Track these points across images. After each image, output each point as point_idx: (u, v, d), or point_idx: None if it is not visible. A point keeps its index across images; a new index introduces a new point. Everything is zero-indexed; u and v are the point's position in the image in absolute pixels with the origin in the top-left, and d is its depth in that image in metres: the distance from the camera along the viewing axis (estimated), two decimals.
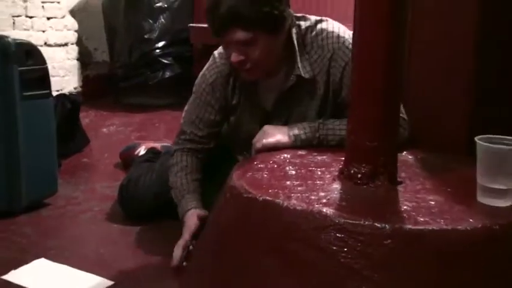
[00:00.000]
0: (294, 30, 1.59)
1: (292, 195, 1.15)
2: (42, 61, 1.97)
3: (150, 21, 3.23)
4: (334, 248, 1.02)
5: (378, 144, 1.17)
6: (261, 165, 1.37)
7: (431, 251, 1.00)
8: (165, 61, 3.29)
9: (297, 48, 1.59)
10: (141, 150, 2.45)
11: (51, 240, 1.79)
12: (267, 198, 1.14)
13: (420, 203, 1.11)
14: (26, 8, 3.09)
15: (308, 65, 1.59)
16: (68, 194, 2.20)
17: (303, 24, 1.62)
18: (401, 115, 1.50)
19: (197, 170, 1.73)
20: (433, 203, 1.12)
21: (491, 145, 1.09)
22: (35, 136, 1.96)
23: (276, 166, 1.37)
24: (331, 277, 1.02)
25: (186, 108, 1.78)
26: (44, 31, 3.28)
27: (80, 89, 3.60)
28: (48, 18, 3.29)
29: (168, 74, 3.31)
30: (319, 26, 1.61)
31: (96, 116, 3.44)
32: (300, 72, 1.58)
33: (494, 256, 1.02)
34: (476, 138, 1.12)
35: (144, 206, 1.91)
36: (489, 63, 1.53)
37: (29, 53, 1.94)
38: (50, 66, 3.28)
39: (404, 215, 1.06)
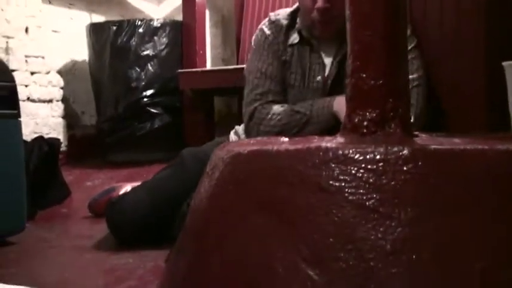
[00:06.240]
0: None
1: (284, 145, 0.93)
2: (10, 78, 1.79)
3: (137, 69, 3.09)
4: (338, 184, 0.79)
5: (384, 82, 0.97)
6: (248, 141, 1.16)
7: (463, 172, 0.77)
8: (154, 110, 3.12)
9: None
10: (128, 188, 2.21)
11: (10, 268, 1.52)
12: (253, 148, 0.92)
13: (444, 144, 0.89)
14: (7, 60, 2.95)
15: None
16: (39, 235, 1.94)
17: None
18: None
19: None
20: (458, 140, 0.90)
21: None
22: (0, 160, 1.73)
23: (265, 139, 1.16)
24: (340, 220, 0.78)
25: (247, 64, 1.83)
26: (26, 85, 3.14)
27: (65, 149, 3.38)
28: (32, 73, 3.16)
29: (157, 124, 3.12)
30: None
31: (81, 173, 3.22)
32: None
33: None
34: (504, 63, 0.93)
35: (130, 225, 1.65)
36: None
37: None
38: (32, 122, 3.16)
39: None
